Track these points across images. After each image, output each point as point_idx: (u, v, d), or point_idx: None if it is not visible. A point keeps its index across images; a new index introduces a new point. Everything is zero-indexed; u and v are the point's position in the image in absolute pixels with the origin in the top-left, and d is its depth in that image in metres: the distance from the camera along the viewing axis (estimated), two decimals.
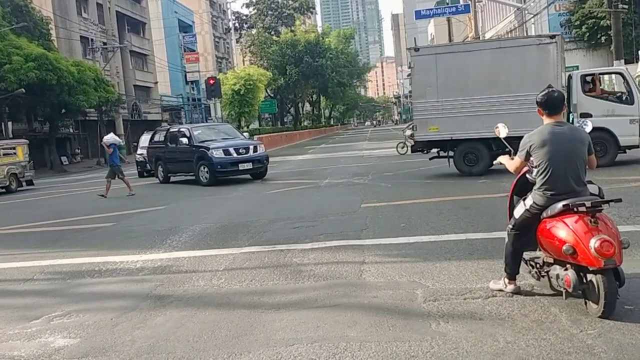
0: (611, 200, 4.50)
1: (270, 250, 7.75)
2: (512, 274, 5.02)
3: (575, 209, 4.40)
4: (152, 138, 22.31)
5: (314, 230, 8.91)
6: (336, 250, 7.40)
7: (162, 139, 21.03)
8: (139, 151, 25.60)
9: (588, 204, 4.37)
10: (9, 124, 36.89)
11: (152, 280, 6.76)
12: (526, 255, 5.05)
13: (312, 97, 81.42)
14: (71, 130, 49.33)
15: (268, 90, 66.04)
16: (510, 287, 5.03)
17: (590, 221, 4.31)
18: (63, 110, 39.87)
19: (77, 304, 5.99)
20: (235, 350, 4.32)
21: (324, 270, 6.51)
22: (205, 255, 7.85)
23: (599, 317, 4.28)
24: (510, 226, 4.99)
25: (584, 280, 4.38)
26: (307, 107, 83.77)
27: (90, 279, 7.18)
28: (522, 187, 5.10)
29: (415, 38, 25.96)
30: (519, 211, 4.92)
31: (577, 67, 34.82)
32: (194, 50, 72.63)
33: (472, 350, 3.95)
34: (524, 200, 4.90)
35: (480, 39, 40.13)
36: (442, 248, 7.01)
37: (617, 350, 3.78)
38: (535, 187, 4.75)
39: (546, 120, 4.78)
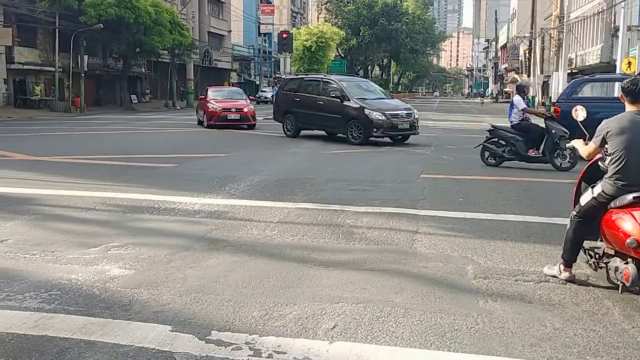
0: None
1: (325, 208, 7.78)
2: (569, 261, 4.89)
3: None
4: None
5: (370, 195, 8.89)
6: (390, 216, 7.37)
7: None
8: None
9: None
10: (85, 57, 37.91)
11: (208, 223, 6.91)
12: (586, 244, 4.90)
13: (382, 61, 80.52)
14: (143, 70, 50.44)
15: (339, 50, 65.63)
16: (565, 275, 4.91)
17: None
18: (137, 50, 40.74)
19: (134, 237, 6.19)
20: (281, 300, 4.39)
21: (376, 234, 6.50)
22: (261, 206, 7.95)
23: None
24: (575, 213, 4.85)
25: None
26: (377, 70, 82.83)
27: (148, 215, 7.39)
28: (592, 175, 4.93)
29: (496, 11, 25.19)
30: (585, 198, 4.76)
31: None
32: (270, 2, 72.54)
33: (518, 331, 3.90)
34: (592, 187, 4.75)
35: (565, 19, 38.63)
36: (499, 227, 6.88)
37: None
38: (606, 176, 4.58)
39: (628, 108, 4.57)
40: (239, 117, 23.04)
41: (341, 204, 8.05)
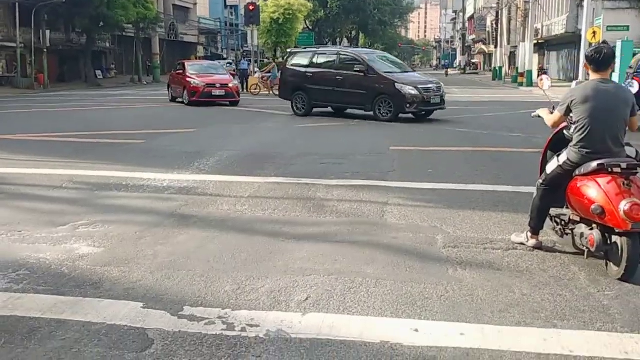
0: None
1: (296, 182, 7.78)
2: (535, 229, 4.98)
3: (609, 169, 4.32)
4: None
5: (340, 168, 8.90)
6: (361, 189, 7.40)
7: None
8: None
9: (624, 165, 4.28)
10: (47, 32, 36.98)
11: (178, 199, 6.86)
12: (552, 211, 4.99)
13: (350, 34, 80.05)
14: (107, 45, 49.40)
15: (307, 22, 65.05)
16: (532, 242, 5.00)
17: (624, 183, 4.24)
18: (101, 24, 39.84)
19: (103, 215, 6.12)
20: (253, 274, 4.39)
21: (347, 207, 6.53)
22: (232, 181, 7.92)
23: (619, 279, 4.25)
24: (541, 181, 4.93)
25: (608, 242, 4.33)
26: (345, 42, 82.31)
27: (117, 192, 7.31)
28: (558, 143, 5.00)
29: None
30: (551, 167, 4.84)
31: (628, 28, 33.60)
32: None
33: (487, 298, 3.97)
34: (558, 156, 4.82)
35: None
36: (468, 197, 6.96)
37: (633, 313, 3.76)
38: (571, 144, 4.65)
39: (592, 76, 4.62)
40: (224, 93, 21.99)
41: (312, 178, 8.04)
